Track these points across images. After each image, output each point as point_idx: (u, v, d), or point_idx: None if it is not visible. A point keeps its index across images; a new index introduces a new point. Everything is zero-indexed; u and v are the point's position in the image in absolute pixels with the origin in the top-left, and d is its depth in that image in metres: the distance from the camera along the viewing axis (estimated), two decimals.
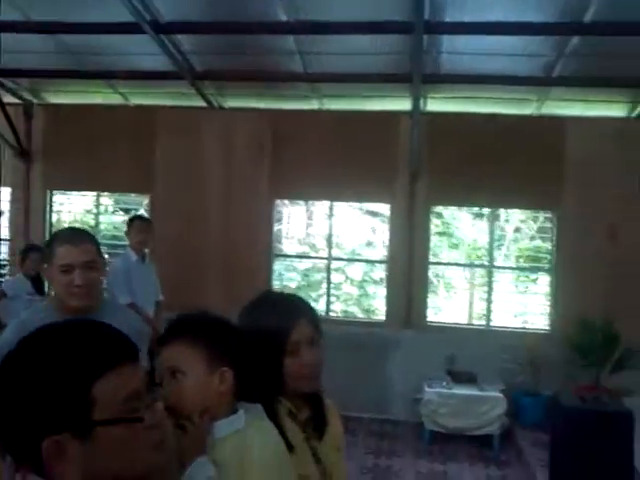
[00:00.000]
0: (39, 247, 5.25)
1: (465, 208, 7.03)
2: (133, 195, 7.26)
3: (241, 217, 6.58)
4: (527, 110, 6.26)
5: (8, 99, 6.64)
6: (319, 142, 6.50)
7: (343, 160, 6.41)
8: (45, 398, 0.88)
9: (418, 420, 5.87)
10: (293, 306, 1.60)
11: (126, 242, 5.54)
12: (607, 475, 3.41)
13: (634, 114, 6.08)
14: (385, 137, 6.45)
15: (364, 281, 7.97)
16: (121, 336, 0.98)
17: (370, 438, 5.81)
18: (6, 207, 6.99)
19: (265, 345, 1.48)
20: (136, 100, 6.88)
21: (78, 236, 2.23)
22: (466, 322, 6.68)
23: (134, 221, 5.51)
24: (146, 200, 6.95)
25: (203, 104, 6.67)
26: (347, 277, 8.11)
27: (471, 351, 6.05)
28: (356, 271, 7.97)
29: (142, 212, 6.71)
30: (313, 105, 6.63)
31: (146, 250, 5.49)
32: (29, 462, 0.91)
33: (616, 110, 6.15)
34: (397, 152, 6.41)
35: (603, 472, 3.42)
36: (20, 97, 6.88)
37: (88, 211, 7.29)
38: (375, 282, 7.35)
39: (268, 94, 6.50)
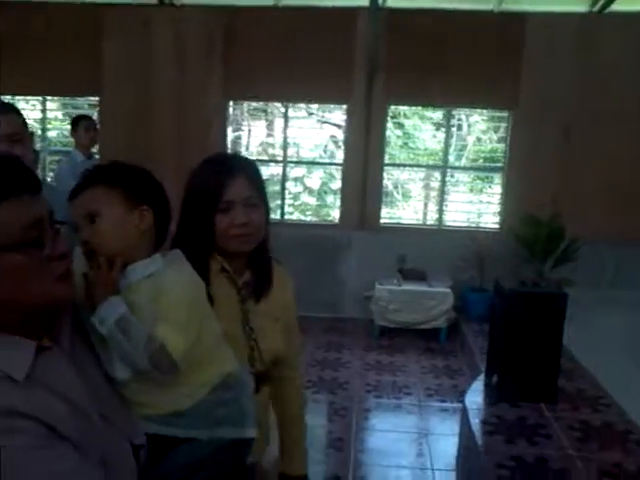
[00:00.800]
0: None
1: (422, 111, 6.90)
2: (81, 99, 6.93)
3: (193, 119, 6.39)
4: (487, 5, 6.07)
5: None
6: (274, 40, 6.25)
7: (298, 59, 6.19)
8: None
9: (369, 317, 5.99)
10: (232, 165, 1.54)
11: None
12: (538, 351, 3.52)
13: (595, 9, 5.93)
14: (342, 34, 6.21)
15: (323, 192, 7.92)
16: (23, 168, 0.93)
17: (321, 335, 5.92)
18: None
19: (199, 201, 1.46)
20: None
21: (1, 107, 2.10)
22: (419, 223, 6.70)
23: (80, 120, 5.33)
24: (94, 103, 6.67)
25: (153, 1, 6.33)
26: (305, 187, 8.04)
27: (423, 251, 6.11)
28: (315, 181, 7.90)
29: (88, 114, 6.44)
30: (268, 1, 6.33)
31: (93, 150, 5.34)
32: None
33: (577, 5, 5.99)
34: (354, 50, 6.21)
35: (534, 349, 3.53)
36: None
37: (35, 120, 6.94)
38: (334, 192, 7.27)
39: None
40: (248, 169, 1.55)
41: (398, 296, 5.77)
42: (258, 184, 1.55)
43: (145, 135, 6.38)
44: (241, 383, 1.21)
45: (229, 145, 6.73)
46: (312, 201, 7.96)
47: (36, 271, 0.91)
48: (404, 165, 6.81)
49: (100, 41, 6.40)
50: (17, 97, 6.61)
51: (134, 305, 1.09)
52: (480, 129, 7.06)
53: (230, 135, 6.79)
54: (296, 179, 7.71)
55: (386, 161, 6.43)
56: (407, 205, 7.35)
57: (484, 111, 6.60)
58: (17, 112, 2.13)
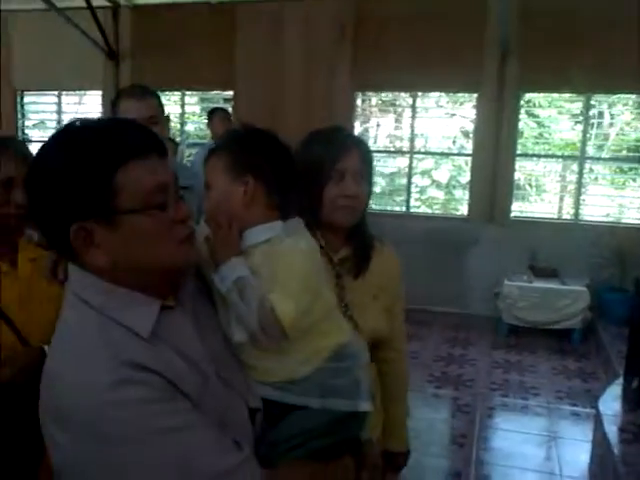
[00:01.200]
0: None
1: (558, 100, 6.51)
2: (216, 94, 7.31)
3: (322, 109, 6.48)
4: None
5: (97, 1, 6.78)
6: (403, 28, 6.16)
7: (427, 47, 6.05)
8: (72, 184, 0.91)
9: (497, 315, 5.79)
10: (346, 137, 1.59)
11: None
12: None
13: None
14: (472, 17, 5.98)
15: (451, 185, 7.71)
16: (149, 131, 1.00)
17: (446, 330, 5.83)
18: (98, 110, 7.31)
19: (310, 171, 1.48)
20: None
21: (141, 90, 2.24)
22: (554, 217, 6.34)
23: (215, 112, 5.64)
24: (229, 96, 7.01)
25: None
26: (433, 180, 7.87)
27: (556, 247, 5.80)
28: (443, 174, 7.69)
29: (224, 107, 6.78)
30: None
31: None
32: (63, 250, 0.97)
33: None
34: (485, 34, 5.98)
35: None
36: None
37: (174, 114, 7.40)
38: (463, 186, 7.05)
39: None
40: (361, 145, 1.58)
41: (528, 293, 5.52)
42: (368, 161, 1.57)
43: (276, 127, 6.47)
44: (355, 354, 1.18)
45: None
46: (440, 195, 7.77)
47: (161, 234, 0.95)
48: (537, 156, 6.49)
49: (233, 36, 6.70)
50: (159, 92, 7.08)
51: (251, 268, 1.11)
52: (623, 120, 6.53)
53: (358, 127, 6.84)
54: (423, 172, 7.57)
55: (518, 152, 6.17)
56: (540, 199, 6.98)
57: (631, 97, 6.09)
58: (155, 96, 2.27)
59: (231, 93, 6.96)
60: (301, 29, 6.56)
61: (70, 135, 0.96)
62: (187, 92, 7.21)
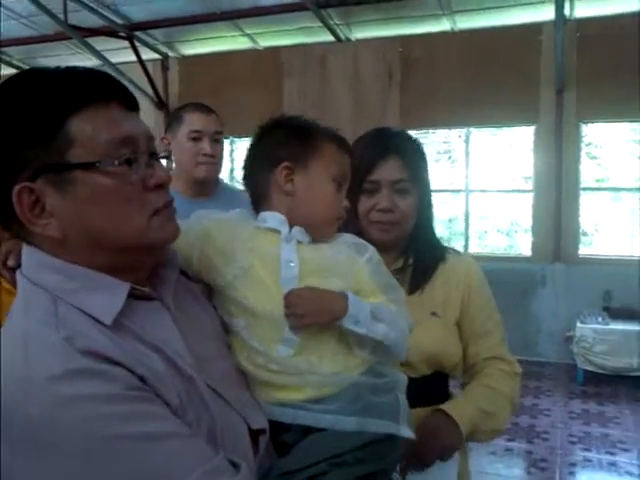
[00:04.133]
0: None
1: (618, 129, 6.10)
2: None
3: None
4: None
5: (146, 55, 6.95)
6: (451, 65, 6.06)
7: (479, 82, 5.92)
8: (15, 134, 0.72)
9: (570, 362, 5.28)
10: (386, 143, 1.37)
11: None
12: None
13: None
14: (525, 51, 5.81)
15: (513, 231, 7.26)
16: (116, 80, 0.79)
17: None
18: None
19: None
20: (263, 42, 6.86)
21: (207, 107, 2.18)
22: (626, 254, 5.84)
23: None
24: None
25: (330, 38, 6.50)
26: (492, 224, 7.46)
27: (632, 285, 5.28)
28: (503, 220, 7.25)
29: None
30: (444, 26, 6.15)
31: None
32: (5, 221, 0.76)
33: None
34: (539, 67, 5.76)
35: None
36: (157, 51, 7.15)
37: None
38: (525, 230, 6.62)
39: (395, 19, 6.12)
40: (404, 149, 1.36)
41: (605, 337, 5.00)
42: (414, 167, 1.36)
43: None
44: (394, 373, 1.00)
45: None
46: (502, 241, 7.32)
47: (126, 200, 0.76)
48: (603, 189, 6.06)
49: (280, 81, 6.70)
50: None
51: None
52: None
53: None
54: (482, 217, 7.16)
55: (582, 186, 5.77)
56: (609, 234, 6.48)
57: None
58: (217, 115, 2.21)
59: None
60: (348, 71, 6.54)
61: (16, 80, 0.77)
62: (236, 139, 7.18)
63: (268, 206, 0.99)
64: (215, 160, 2.10)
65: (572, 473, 3.61)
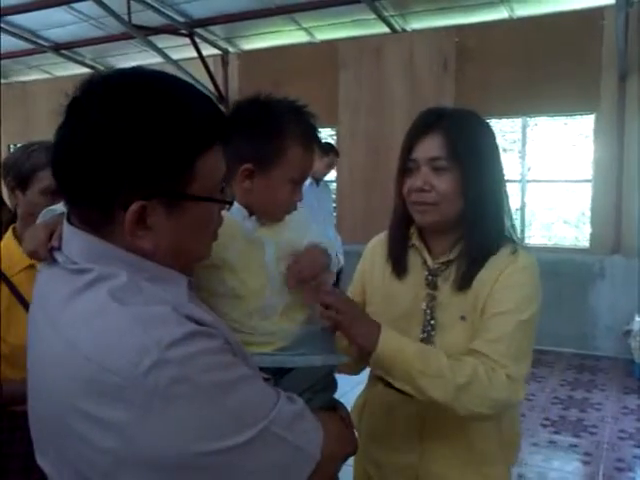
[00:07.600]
0: None
1: None
2: (322, 129, 7.37)
3: None
4: None
5: (207, 51, 7.17)
6: (508, 53, 5.94)
7: (537, 69, 5.78)
8: (150, 156, 0.77)
9: (628, 356, 5.13)
10: (428, 119, 1.31)
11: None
12: None
13: None
14: (585, 37, 5.63)
15: (581, 223, 7.00)
16: (221, 114, 0.87)
17: (567, 372, 5.23)
18: None
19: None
20: (320, 35, 6.95)
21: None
22: None
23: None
24: (333, 133, 7.03)
25: (385, 30, 6.52)
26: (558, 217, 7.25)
27: None
28: (570, 211, 6.97)
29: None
30: (501, 14, 6.04)
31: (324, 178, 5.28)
32: (96, 226, 0.81)
33: None
34: (601, 53, 5.57)
35: None
36: (217, 47, 7.37)
37: None
38: (583, 214, 6.42)
39: (450, 8, 6.07)
40: (447, 125, 1.27)
41: None
42: (456, 144, 1.26)
43: (380, 162, 6.48)
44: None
45: None
46: (567, 231, 7.11)
47: (211, 225, 0.89)
48: None
49: (336, 73, 6.78)
50: None
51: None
52: None
53: None
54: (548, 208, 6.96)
55: None
56: None
57: None
58: None
59: (334, 130, 6.98)
60: (403, 62, 6.53)
61: (156, 95, 0.79)
62: None
63: (233, 191, 1.16)
64: None
65: (619, 469, 3.55)
